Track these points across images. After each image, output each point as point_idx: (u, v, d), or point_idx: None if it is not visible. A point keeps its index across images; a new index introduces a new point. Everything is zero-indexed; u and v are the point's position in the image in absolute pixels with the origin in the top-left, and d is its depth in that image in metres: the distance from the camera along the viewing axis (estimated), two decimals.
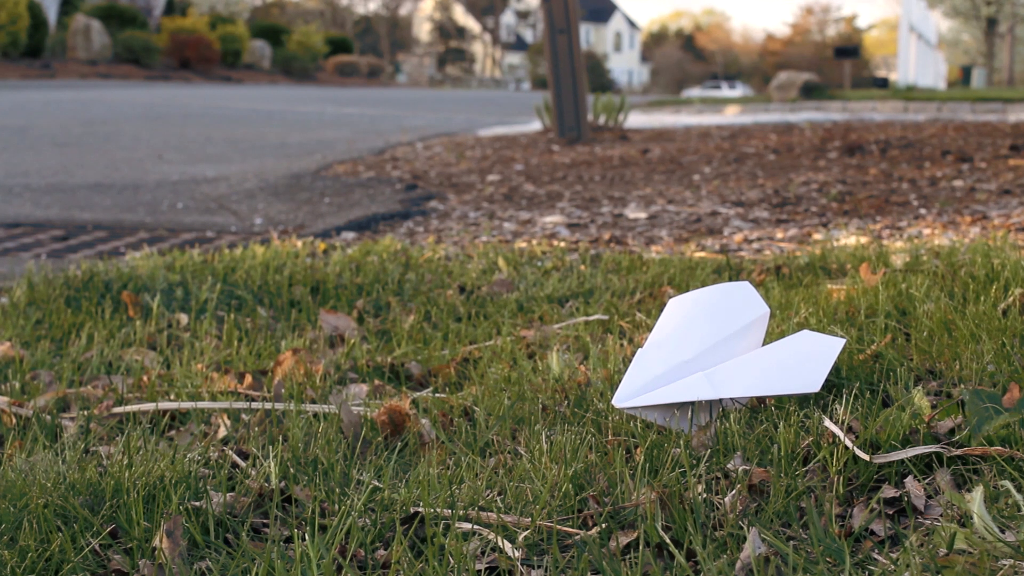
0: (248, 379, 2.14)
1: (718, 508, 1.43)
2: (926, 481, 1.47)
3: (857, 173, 6.17)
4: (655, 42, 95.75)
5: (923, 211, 4.55)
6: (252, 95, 19.95)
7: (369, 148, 8.72)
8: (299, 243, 3.58)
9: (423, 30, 76.63)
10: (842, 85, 26.50)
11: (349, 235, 4.28)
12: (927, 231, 3.94)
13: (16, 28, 25.38)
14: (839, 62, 30.40)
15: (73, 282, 2.89)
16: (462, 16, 76.24)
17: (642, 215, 4.67)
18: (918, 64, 27.06)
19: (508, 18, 79.42)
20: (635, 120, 12.85)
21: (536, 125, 11.54)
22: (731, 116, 15.39)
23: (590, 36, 78.79)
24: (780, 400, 1.75)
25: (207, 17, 35.13)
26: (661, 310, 2.58)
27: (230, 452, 1.70)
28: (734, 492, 1.43)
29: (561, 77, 9.29)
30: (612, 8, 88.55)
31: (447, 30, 75.27)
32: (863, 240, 3.60)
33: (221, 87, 24.80)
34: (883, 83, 26.97)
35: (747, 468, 1.49)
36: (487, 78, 69.05)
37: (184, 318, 2.66)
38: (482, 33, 75.67)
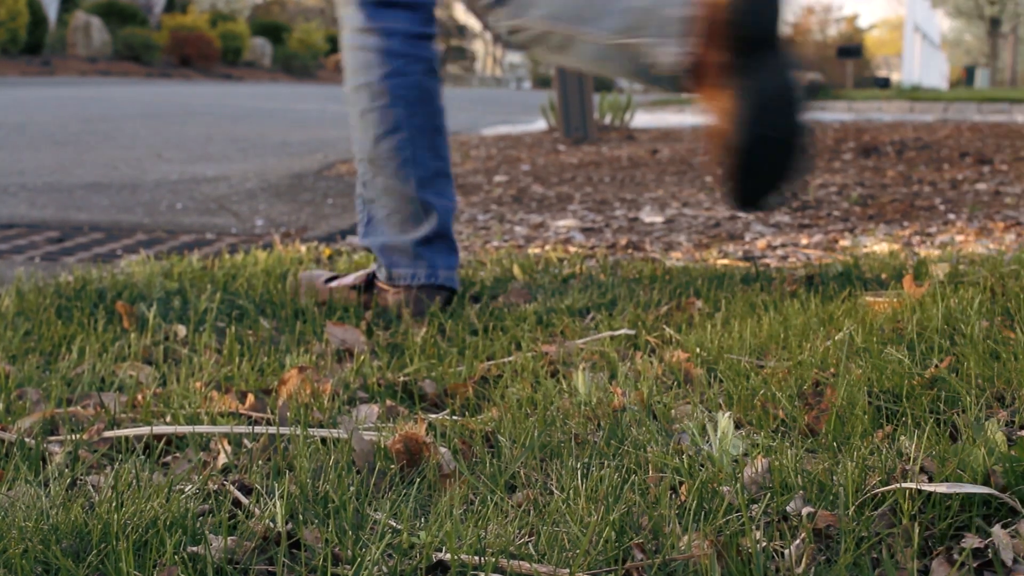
0: (250, 399, 1.99)
1: (776, 557, 1.27)
2: (1011, 529, 1.32)
3: (875, 175, 6.02)
4: None
5: (952, 216, 4.39)
6: (253, 93, 19.81)
7: None
8: (303, 248, 3.43)
9: None
10: (844, 85, 26.43)
11: (354, 239, 4.12)
12: (960, 238, 3.78)
13: (16, 25, 25.23)
14: (841, 62, 30.34)
15: (65, 290, 2.74)
16: (463, 14, 76.12)
17: (658, 219, 4.51)
18: (922, 64, 26.95)
19: None
20: (640, 119, 12.69)
21: (540, 124, 11.38)
22: None
23: None
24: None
25: (208, 15, 35.00)
26: (690, 323, 2.43)
27: (231, 487, 1.54)
28: (798, 542, 1.27)
29: (567, 75, 9.13)
30: None
31: (448, 28, 75.14)
32: (894, 247, 3.45)
33: (222, 85, 24.66)
34: (885, 83, 26.90)
35: (811, 511, 1.33)
36: (488, 77, 68.94)
37: (182, 330, 2.50)
38: (483, 31, 75.58)
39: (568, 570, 1.26)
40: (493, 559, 1.28)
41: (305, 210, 5.08)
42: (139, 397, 1.99)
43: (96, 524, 1.35)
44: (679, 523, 1.35)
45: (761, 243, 3.81)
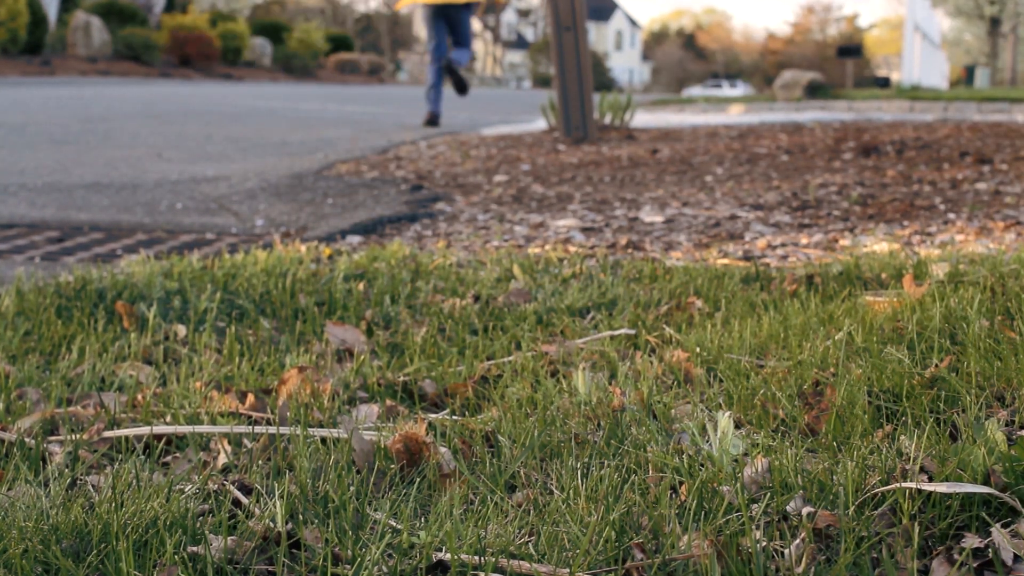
0: (251, 399, 1.98)
1: (776, 557, 1.27)
2: (1010, 529, 1.31)
3: (875, 175, 6.02)
4: (656, 41, 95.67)
5: (951, 215, 4.39)
6: (253, 92, 19.80)
7: (372, 147, 8.56)
8: (303, 248, 3.43)
9: (424, 28, 76.50)
10: (844, 84, 26.40)
11: (354, 239, 4.12)
12: (960, 237, 3.78)
13: (16, 25, 25.21)
14: (841, 61, 30.31)
15: (65, 290, 2.73)
16: None
17: (658, 219, 4.51)
18: (922, 64, 26.89)
19: (509, 16, 79.27)
20: (639, 119, 12.69)
21: (540, 124, 11.38)
22: (736, 115, 15.23)
23: (591, 34, 78.63)
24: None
25: (208, 14, 34.98)
26: (690, 323, 2.43)
27: (231, 487, 1.54)
28: (798, 541, 1.27)
29: (567, 75, 9.12)
30: (613, 6, 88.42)
31: None
32: (894, 247, 3.44)
33: (221, 84, 24.63)
34: (885, 83, 26.87)
35: (811, 511, 1.33)
36: (488, 76, 68.90)
37: (182, 330, 2.50)
38: (483, 31, 75.49)
39: (568, 570, 1.26)
40: (493, 559, 1.28)
41: (305, 210, 5.07)
42: (139, 397, 1.99)
43: (96, 524, 1.35)
44: (679, 523, 1.35)
45: (761, 243, 3.80)
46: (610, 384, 1.93)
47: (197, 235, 4.42)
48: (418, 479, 1.56)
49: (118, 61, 28.55)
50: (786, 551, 1.26)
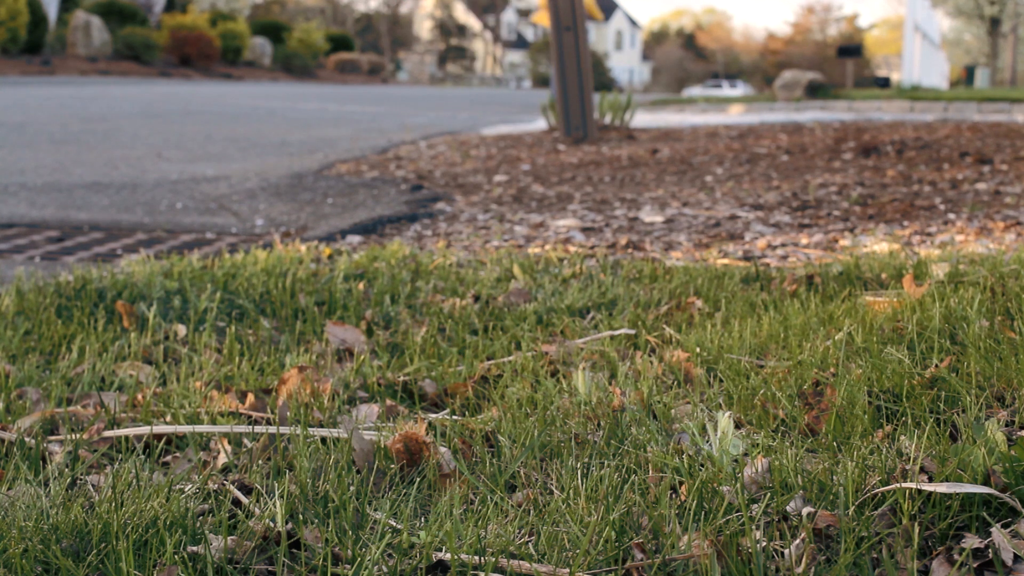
0: (250, 398, 1.98)
1: (776, 557, 1.27)
2: (1011, 529, 1.31)
3: (875, 175, 6.02)
4: (656, 41, 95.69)
5: (952, 216, 4.39)
6: (253, 92, 19.80)
7: (372, 147, 8.56)
8: (303, 248, 3.43)
9: (424, 28, 76.53)
10: (844, 84, 26.40)
11: (354, 239, 4.12)
12: (960, 237, 3.78)
13: (15, 24, 25.22)
14: (841, 61, 30.33)
15: (65, 290, 2.73)
16: (463, 14, 76.11)
17: (658, 219, 4.51)
18: (922, 64, 26.88)
19: (509, 16, 79.30)
20: (640, 119, 12.69)
21: (540, 124, 11.38)
22: (736, 115, 15.23)
23: (591, 34, 78.65)
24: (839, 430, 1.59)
25: (208, 14, 35.00)
26: (690, 323, 2.43)
27: (231, 487, 1.54)
28: (798, 541, 1.27)
29: (567, 75, 9.12)
30: (613, 6, 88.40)
31: (448, 28, 75.11)
32: (894, 247, 3.44)
33: (222, 84, 24.64)
34: (885, 82, 26.88)
35: (811, 511, 1.33)
36: (488, 76, 68.97)
37: (182, 329, 2.50)
38: (483, 31, 75.55)
39: (568, 570, 1.26)
40: (493, 559, 1.28)
41: (305, 210, 5.08)
42: (139, 397, 1.99)
43: (96, 524, 1.35)
44: (679, 523, 1.35)
45: (761, 243, 3.81)
46: (610, 384, 1.93)
47: (197, 235, 4.42)
48: (418, 479, 1.56)
49: (118, 61, 28.55)
50: (786, 551, 1.26)
